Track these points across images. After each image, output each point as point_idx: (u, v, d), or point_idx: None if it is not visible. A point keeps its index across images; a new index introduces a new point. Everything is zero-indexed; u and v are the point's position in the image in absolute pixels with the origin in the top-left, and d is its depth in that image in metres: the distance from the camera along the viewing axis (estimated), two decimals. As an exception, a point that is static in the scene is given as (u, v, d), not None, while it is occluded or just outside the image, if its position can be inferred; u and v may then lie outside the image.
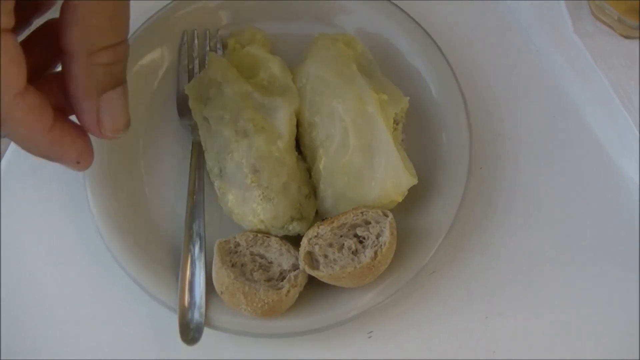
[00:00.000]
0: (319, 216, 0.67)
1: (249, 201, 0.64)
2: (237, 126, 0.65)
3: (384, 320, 0.68)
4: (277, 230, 0.66)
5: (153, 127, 0.72)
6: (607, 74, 0.73)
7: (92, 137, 0.52)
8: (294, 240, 0.66)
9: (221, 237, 0.65)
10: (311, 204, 0.67)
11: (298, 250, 0.64)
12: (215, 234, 0.66)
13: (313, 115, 0.67)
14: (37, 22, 0.53)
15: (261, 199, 0.64)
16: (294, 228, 0.66)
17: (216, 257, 0.64)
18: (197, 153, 0.70)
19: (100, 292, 0.69)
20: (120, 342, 0.68)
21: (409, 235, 0.67)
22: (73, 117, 0.51)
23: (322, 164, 0.66)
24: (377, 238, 0.62)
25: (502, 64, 0.77)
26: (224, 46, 0.74)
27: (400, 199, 0.66)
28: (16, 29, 0.49)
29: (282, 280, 0.63)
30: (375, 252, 0.62)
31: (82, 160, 0.52)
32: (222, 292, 0.63)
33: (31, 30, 0.53)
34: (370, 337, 0.67)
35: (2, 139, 0.54)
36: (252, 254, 0.65)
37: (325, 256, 0.62)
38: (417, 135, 0.71)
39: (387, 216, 0.63)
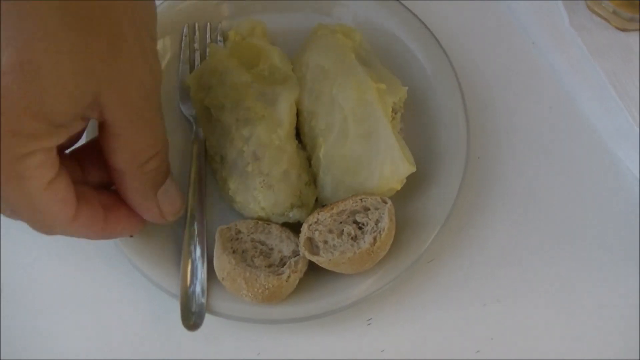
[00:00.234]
0: (319, 203, 0.69)
1: (250, 189, 0.66)
2: (238, 114, 0.66)
3: (383, 307, 0.69)
4: (277, 218, 0.67)
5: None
6: (603, 65, 0.74)
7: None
8: (294, 228, 0.67)
9: (222, 225, 0.67)
10: (311, 192, 0.68)
11: (298, 237, 0.65)
12: (216, 222, 0.68)
13: (313, 104, 0.68)
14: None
15: (262, 187, 0.65)
16: (294, 215, 0.67)
17: (217, 243, 0.65)
18: (199, 143, 0.71)
19: (101, 280, 0.70)
20: (121, 330, 0.69)
21: (407, 223, 0.68)
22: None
23: (322, 152, 0.67)
24: (376, 224, 0.64)
25: (499, 56, 0.78)
26: (225, 38, 0.75)
27: (398, 187, 0.67)
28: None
29: (282, 266, 0.65)
30: (375, 238, 0.63)
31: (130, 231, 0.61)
32: (223, 278, 0.64)
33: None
34: (369, 324, 0.68)
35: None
36: (253, 240, 0.66)
37: (325, 242, 0.64)
38: (415, 124, 0.73)
39: (386, 203, 0.64)
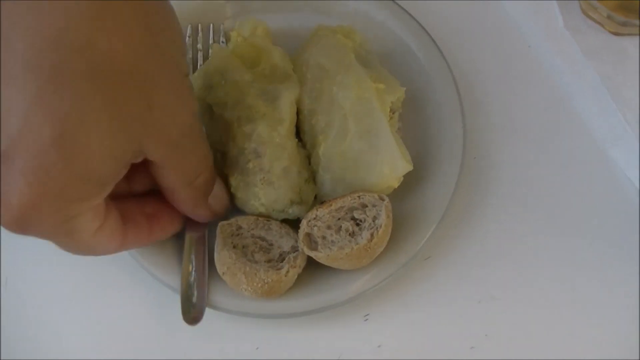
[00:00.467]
0: (318, 200, 0.70)
1: (251, 185, 0.67)
2: (240, 112, 0.68)
3: (380, 304, 0.70)
4: (277, 214, 0.69)
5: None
6: (597, 68, 0.76)
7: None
8: (294, 224, 0.68)
9: (223, 221, 0.68)
10: (310, 188, 0.70)
11: (297, 233, 0.67)
12: (217, 219, 0.69)
13: (313, 103, 0.70)
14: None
15: (262, 183, 0.67)
16: (294, 211, 0.68)
17: (218, 239, 0.67)
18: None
19: (101, 276, 0.72)
20: (121, 324, 0.71)
21: (404, 221, 0.69)
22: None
23: (322, 150, 0.69)
24: (373, 221, 0.65)
25: (496, 58, 0.80)
26: (227, 38, 0.77)
27: (396, 185, 0.69)
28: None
29: (281, 262, 0.66)
30: (372, 234, 0.64)
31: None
32: (223, 273, 0.66)
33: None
34: (366, 320, 0.70)
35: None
36: (253, 236, 0.68)
37: (324, 237, 0.65)
38: (413, 124, 0.74)
39: (383, 200, 0.66)
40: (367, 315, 0.70)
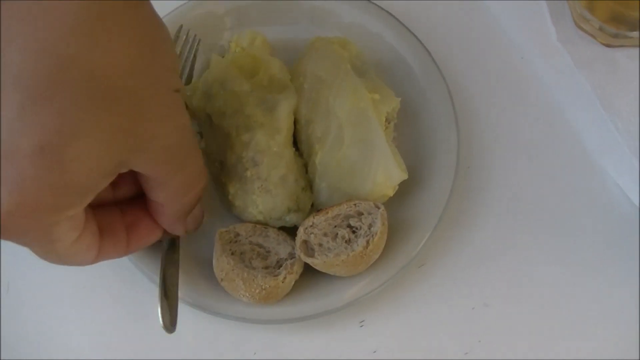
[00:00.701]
0: (315, 208, 0.72)
1: (249, 193, 0.69)
2: (238, 121, 0.70)
3: (375, 310, 0.72)
4: (275, 222, 0.70)
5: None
6: (589, 78, 0.77)
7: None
8: (291, 231, 0.70)
9: (222, 228, 0.70)
10: (307, 197, 0.72)
11: (294, 240, 0.68)
12: (215, 226, 0.71)
13: (310, 112, 0.72)
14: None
15: (260, 191, 0.69)
16: (291, 219, 0.70)
17: (217, 246, 0.68)
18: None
19: (100, 279, 0.74)
20: (119, 329, 0.72)
21: (399, 228, 0.71)
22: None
23: (318, 159, 0.71)
24: (369, 228, 0.67)
25: (489, 70, 0.81)
26: (226, 49, 0.79)
27: (391, 193, 0.70)
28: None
29: (279, 268, 0.68)
30: (367, 241, 0.66)
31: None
32: (222, 279, 0.68)
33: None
34: (362, 326, 0.72)
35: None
36: (251, 243, 0.69)
37: (320, 245, 0.67)
38: (408, 134, 0.76)
39: (378, 208, 0.68)
40: (363, 321, 0.72)
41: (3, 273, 0.74)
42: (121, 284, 0.74)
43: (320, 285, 0.70)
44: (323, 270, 0.68)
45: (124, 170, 0.52)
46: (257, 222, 0.71)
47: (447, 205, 0.72)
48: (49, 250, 0.53)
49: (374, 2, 0.79)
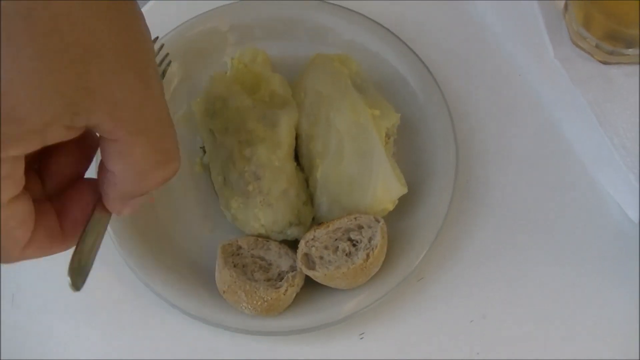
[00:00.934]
0: (315, 222, 0.74)
1: (251, 207, 0.71)
2: (240, 137, 0.71)
3: (375, 323, 0.74)
4: (276, 235, 0.72)
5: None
6: (586, 95, 0.79)
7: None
8: (292, 245, 0.72)
9: (224, 241, 0.72)
10: (308, 210, 0.73)
11: (296, 253, 0.70)
12: (218, 239, 0.73)
13: (310, 128, 0.74)
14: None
15: (262, 205, 0.71)
16: (292, 232, 0.72)
17: (219, 258, 0.70)
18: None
19: (101, 284, 0.76)
20: (119, 336, 0.75)
21: (398, 242, 0.73)
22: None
23: (319, 173, 0.72)
24: (369, 241, 0.69)
25: (487, 86, 0.83)
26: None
27: (391, 207, 0.72)
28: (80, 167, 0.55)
29: (280, 280, 0.70)
30: (368, 254, 0.68)
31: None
32: (224, 291, 0.69)
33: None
34: (361, 338, 0.73)
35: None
36: (253, 256, 0.71)
37: (321, 257, 0.69)
38: (408, 149, 0.78)
39: (378, 221, 0.70)
40: (363, 333, 0.73)
41: (9, 284, 0.76)
42: (120, 289, 0.76)
43: (321, 297, 0.71)
44: (324, 283, 0.69)
45: (80, 122, 0.47)
46: (259, 236, 0.72)
47: (446, 219, 0.74)
48: None
49: (374, 20, 0.81)
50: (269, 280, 0.70)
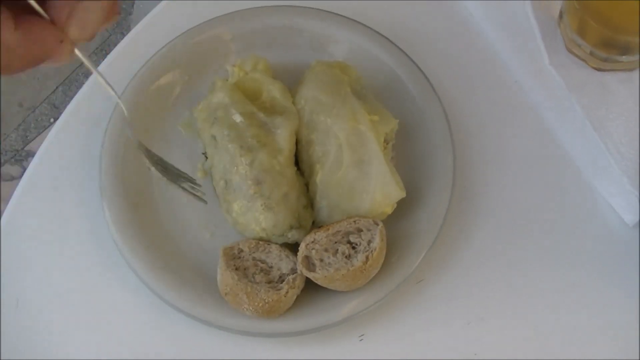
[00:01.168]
0: (316, 225, 0.76)
1: (252, 210, 0.73)
2: (242, 142, 0.74)
3: (375, 325, 0.76)
4: (277, 238, 0.74)
5: (165, 138, 0.82)
6: (581, 101, 0.81)
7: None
8: (293, 248, 0.74)
9: (225, 245, 0.74)
10: (308, 214, 0.75)
11: (296, 256, 0.72)
12: (220, 242, 0.75)
13: (310, 133, 0.76)
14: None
15: (263, 208, 0.73)
16: (293, 236, 0.74)
17: (221, 261, 0.72)
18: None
19: (102, 285, 0.78)
20: (120, 337, 0.77)
21: (397, 245, 0.75)
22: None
23: (319, 178, 0.75)
24: (368, 244, 0.71)
25: (484, 93, 0.85)
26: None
27: (390, 211, 0.75)
28: None
29: (281, 282, 0.72)
30: (367, 257, 0.70)
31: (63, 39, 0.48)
32: (226, 293, 0.71)
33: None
34: (361, 340, 0.75)
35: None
36: (254, 259, 0.73)
37: (321, 260, 0.71)
38: (406, 154, 0.80)
39: (377, 224, 0.72)
40: (363, 335, 0.75)
41: (14, 288, 0.78)
42: (121, 290, 0.78)
43: (321, 299, 0.73)
44: (324, 285, 0.71)
45: None
46: (260, 239, 0.75)
47: (444, 223, 0.76)
48: None
49: (373, 28, 0.84)
50: (270, 282, 0.72)
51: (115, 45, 0.88)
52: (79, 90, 0.86)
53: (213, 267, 0.74)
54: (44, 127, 1.86)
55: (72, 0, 0.47)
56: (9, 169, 1.82)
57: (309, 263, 0.72)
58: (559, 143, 0.83)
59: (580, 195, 0.81)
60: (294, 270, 0.72)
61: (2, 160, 1.82)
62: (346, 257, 0.71)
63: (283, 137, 0.75)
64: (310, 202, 0.76)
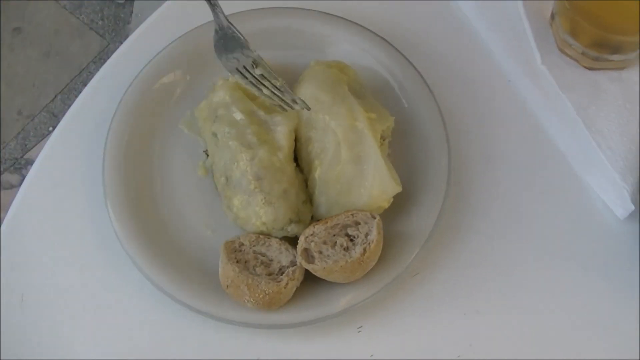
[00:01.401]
0: (314, 220, 0.78)
1: (253, 205, 0.76)
2: (243, 139, 0.77)
3: (372, 317, 0.78)
4: (277, 232, 0.77)
5: (167, 137, 0.85)
6: (572, 100, 0.84)
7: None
8: (292, 242, 0.77)
9: (227, 239, 0.77)
10: (307, 209, 0.78)
11: (295, 249, 0.75)
12: (221, 237, 0.78)
13: (309, 131, 0.79)
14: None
15: (263, 203, 0.75)
16: (292, 230, 0.77)
17: (222, 255, 0.75)
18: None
19: (103, 282, 0.81)
20: (122, 332, 0.79)
21: (394, 239, 0.78)
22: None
23: (317, 174, 0.77)
24: (365, 236, 0.74)
25: (478, 91, 0.88)
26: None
27: (386, 205, 0.77)
28: None
29: (281, 275, 0.74)
30: (364, 249, 0.73)
31: None
32: (227, 286, 0.74)
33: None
34: (359, 331, 0.78)
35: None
36: (254, 252, 0.76)
37: (320, 252, 0.74)
38: (402, 151, 0.83)
39: (374, 218, 0.74)
40: (361, 326, 0.78)
41: (19, 285, 0.81)
42: (123, 286, 0.80)
43: (320, 292, 0.76)
44: (323, 277, 0.74)
45: None
46: (261, 233, 0.77)
47: (439, 218, 0.78)
48: None
49: (370, 29, 0.87)
50: (270, 274, 0.74)
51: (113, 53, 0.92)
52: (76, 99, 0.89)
53: (214, 262, 0.76)
54: (43, 136, 1.89)
55: None
56: (8, 177, 1.84)
57: (308, 255, 0.74)
58: (551, 140, 0.86)
59: (572, 189, 0.84)
60: (293, 263, 0.75)
61: (2, 169, 1.84)
62: (344, 249, 0.74)
63: (282, 134, 0.78)
64: (309, 198, 0.79)
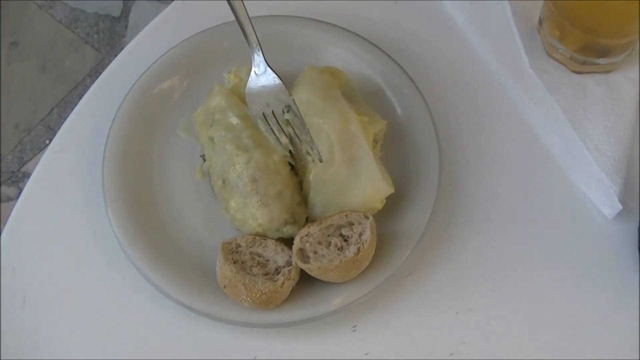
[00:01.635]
0: (309, 221, 0.80)
1: (249, 206, 0.78)
2: (239, 143, 0.79)
3: (367, 316, 0.80)
4: (273, 233, 0.79)
5: (165, 141, 0.87)
6: (560, 103, 0.86)
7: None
8: (288, 243, 0.79)
9: (224, 240, 0.79)
10: (302, 210, 0.80)
11: (291, 250, 0.77)
12: (218, 238, 0.79)
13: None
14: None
15: (259, 205, 0.78)
16: (288, 231, 0.79)
17: (220, 255, 0.77)
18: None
19: (102, 282, 0.82)
20: (121, 332, 0.81)
21: (387, 240, 0.80)
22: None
23: (312, 176, 0.79)
24: (359, 236, 0.76)
25: (468, 95, 0.91)
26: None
27: (379, 206, 0.79)
28: None
29: (277, 274, 0.76)
30: (358, 249, 0.75)
31: None
32: (225, 286, 0.76)
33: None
34: (354, 330, 0.80)
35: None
36: (251, 253, 0.78)
37: (315, 252, 0.76)
38: (394, 154, 0.85)
39: (368, 218, 0.77)
40: (355, 326, 0.80)
41: (21, 284, 0.82)
42: (121, 286, 0.82)
43: (315, 291, 0.78)
44: (318, 276, 0.76)
45: None
46: (257, 234, 0.79)
47: (430, 219, 0.80)
48: None
49: (362, 36, 0.89)
50: (266, 274, 0.76)
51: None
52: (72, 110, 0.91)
53: (212, 263, 0.78)
54: (40, 149, 1.91)
55: None
56: (5, 190, 1.86)
57: (303, 255, 0.76)
58: (540, 142, 0.88)
59: (561, 190, 0.86)
60: (289, 263, 0.77)
61: (0, 181, 1.86)
62: (339, 249, 0.76)
63: (277, 137, 0.80)
64: (304, 200, 0.81)
